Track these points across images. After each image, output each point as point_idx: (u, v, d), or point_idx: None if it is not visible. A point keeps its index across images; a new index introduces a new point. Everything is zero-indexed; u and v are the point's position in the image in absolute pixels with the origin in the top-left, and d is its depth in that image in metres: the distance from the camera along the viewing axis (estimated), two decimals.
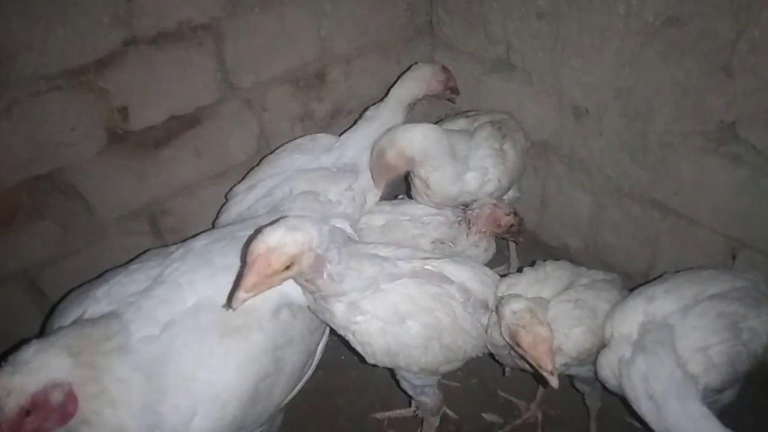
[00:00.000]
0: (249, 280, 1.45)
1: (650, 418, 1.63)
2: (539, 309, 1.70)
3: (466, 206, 2.33)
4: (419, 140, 2.10)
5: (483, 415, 2.42)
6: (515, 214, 2.31)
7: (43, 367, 1.38)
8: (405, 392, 2.15)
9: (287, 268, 1.50)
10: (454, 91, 2.61)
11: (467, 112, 2.65)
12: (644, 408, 1.63)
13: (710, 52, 1.89)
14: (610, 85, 2.22)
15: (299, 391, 1.96)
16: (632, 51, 2.08)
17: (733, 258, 2.18)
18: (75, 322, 1.62)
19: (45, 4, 1.83)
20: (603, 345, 1.86)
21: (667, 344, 1.65)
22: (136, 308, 1.64)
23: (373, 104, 2.53)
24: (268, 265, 1.46)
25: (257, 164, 2.47)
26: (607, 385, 1.80)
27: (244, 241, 1.90)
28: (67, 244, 2.23)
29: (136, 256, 1.96)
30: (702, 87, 1.97)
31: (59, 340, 1.47)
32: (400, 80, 2.50)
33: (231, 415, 1.60)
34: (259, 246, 1.47)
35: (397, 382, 2.13)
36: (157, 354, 1.56)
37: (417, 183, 2.25)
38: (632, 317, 1.76)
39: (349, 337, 1.79)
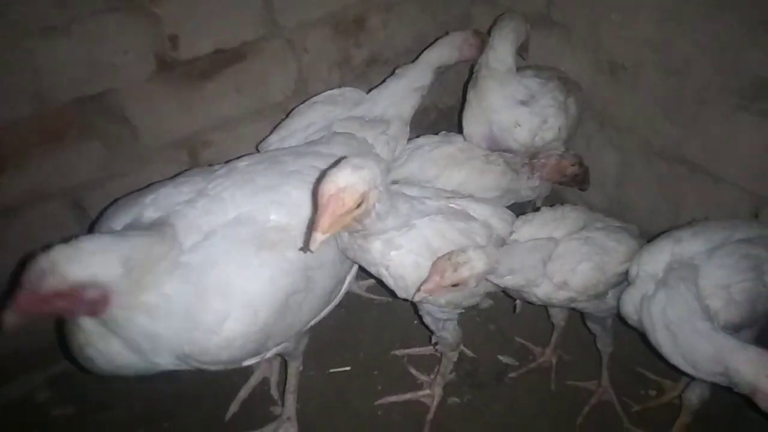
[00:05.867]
0: (324, 221, 1.48)
1: (666, 348, 1.69)
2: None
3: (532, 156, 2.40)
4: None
5: (499, 357, 2.50)
6: (580, 164, 2.38)
7: (95, 265, 1.45)
8: (427, 327, 2.23)
9: (358, 206, 1.54)
10: None
11: (530, 66, 2.62)
12: (660, 338, 1.69)
13: (751, 5, 1.92)
14: (649, 40, 2.24)
15: (322, 326, 2.04)
16: (673, 4, 2.10)
17: (756, 216, 2.22)
18: (131, 227, 1.70)
19: None
20: (616, 283, 1.93)
21: (689, 280, 1.70)
22: (182, 216, 1.72)
23: (405, 64, 2.57)
24: (342, 204, 1.49)
25: (287, 116, 2.51)
26: (629, 321, 1.86)
27: (284, 164, 1.98)
28: (112, 166, 2.33)
29: (181, 172, 2.04)
30: (740, 41, 1.99)
31: (120, 247, 1.52)
32: (433, 44, 2.53)
33: (262, 322, 1.69)
34: (330, 187, 1.49)
35: (420, 318, 2.21)
36: (200, 261, 1.64)
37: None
38: (659, 257, 1.81)
39: (382, 273, 1.83)
